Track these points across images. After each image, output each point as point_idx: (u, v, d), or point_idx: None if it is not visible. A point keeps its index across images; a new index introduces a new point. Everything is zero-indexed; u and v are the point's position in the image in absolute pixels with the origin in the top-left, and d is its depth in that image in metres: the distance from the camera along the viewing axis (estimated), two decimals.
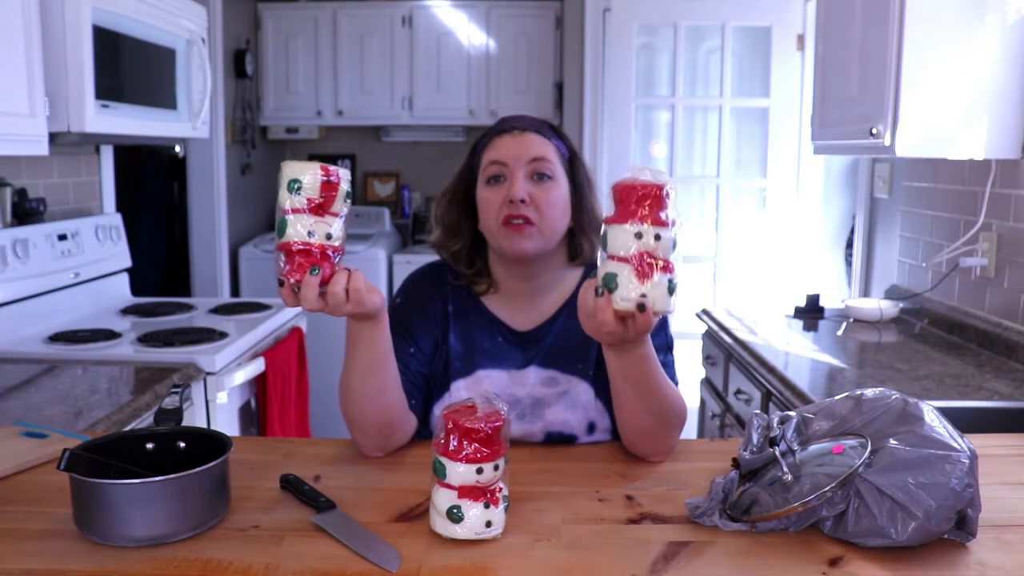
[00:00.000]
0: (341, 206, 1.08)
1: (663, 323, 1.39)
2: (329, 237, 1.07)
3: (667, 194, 1.02)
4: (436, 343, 1.38)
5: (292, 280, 1.07)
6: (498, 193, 1.32)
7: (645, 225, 1.00)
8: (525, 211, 1.30)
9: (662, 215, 1.01)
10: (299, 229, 1.05)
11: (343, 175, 1.08)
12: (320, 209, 1.06)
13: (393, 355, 1.24)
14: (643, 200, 1.01)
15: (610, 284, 1.02)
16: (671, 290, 1.02)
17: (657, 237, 1.00)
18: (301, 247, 1.06)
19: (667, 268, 1.01)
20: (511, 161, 1.32)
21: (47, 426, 1.39)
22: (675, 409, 1.25)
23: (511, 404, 1.35)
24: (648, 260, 1.00)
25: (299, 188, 1.05)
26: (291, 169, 1.06)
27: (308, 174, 1.05)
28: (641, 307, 1.01)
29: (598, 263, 1.05)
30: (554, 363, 1.37)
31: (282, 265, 1.07)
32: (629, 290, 1.01)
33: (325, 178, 1.06)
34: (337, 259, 1.09)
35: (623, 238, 1.01)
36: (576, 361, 1.37)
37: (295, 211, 1.05)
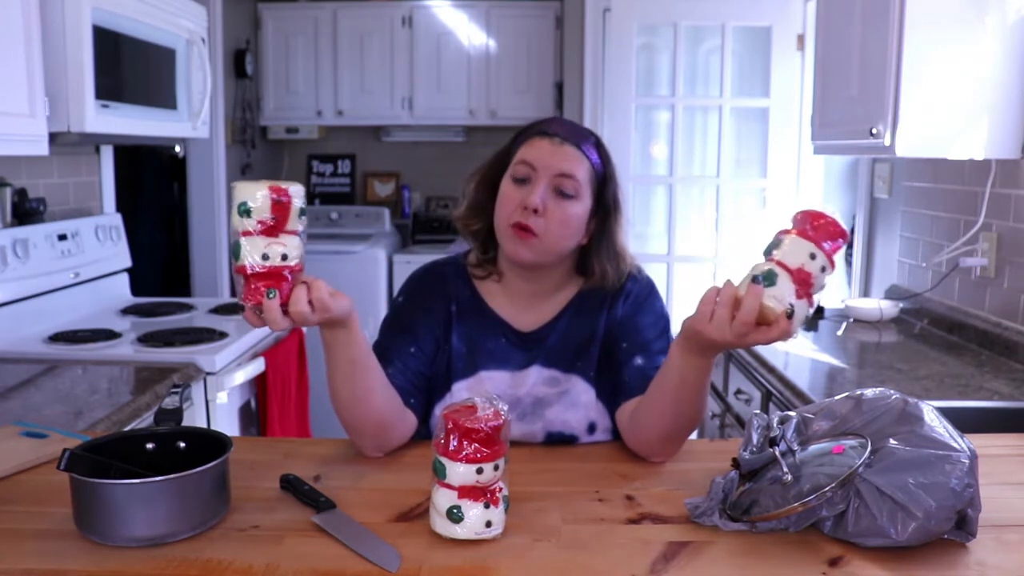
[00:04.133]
0: (296, 224, 1.05)
1: (665, 326, 1.39)
2: (285, 258, 1.04)
3: (845, 242, 1.05)
4: (437, 343, 1.38)
5: (250, 304, 1.05)
6: (518, 193, 1.31)
7: (821, 253, 1.02)
8: (533, 221, 1.29)
9: (835, 256, 1.04)
10: (253, 253, 1.03)
11: (295, 192, 1.04)
12: (273, 230, 1.03)
13: (373, 356, 1.23)
14: (829, 232, 1.03)
15: (771, 280, 1.02)
16: (807, 315, 1.04)
17: (823, 269, 1.02)
18: (258, 270, 1.04)
19: (811, 298, 1.03)
20: (539, 167, 1.30)
21: (47, 426, 1.39)
22: (700, 414, 1.25)
23: (512, 404, 1.34)
24: (809, 281, 1.02)
25: (248, 211, 1.02)
26: (240, 191, 1.03)
27: (257, 196, 1.02)
28: (789, 314, 1.02)
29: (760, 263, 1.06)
30: (556, 363, 1.37)
31: (241, 289, 1.05)
32: (784, 293, 1.02)
33: (275, 198, 1.03)
34: (292, 278, 1.06)
35: (799, 250, 1.03)
36: (575, 360, 1.37)
37: (246, 234, 1.03)
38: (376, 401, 1.24)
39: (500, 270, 1.40)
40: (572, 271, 1.40)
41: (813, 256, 1.02)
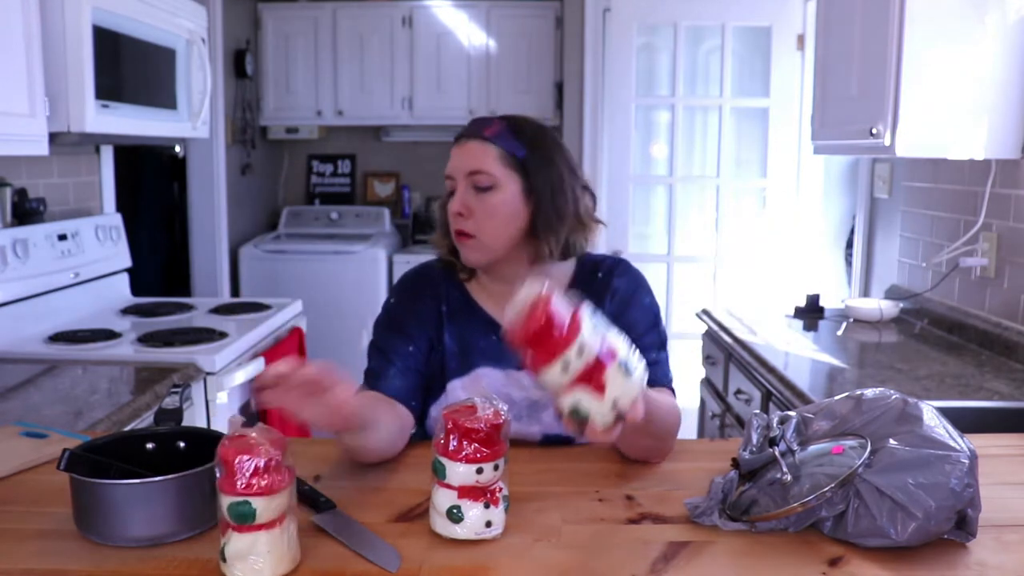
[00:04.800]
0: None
1: (655, 320, 1.38)
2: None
3: (553, 304, 0.93)
4: (431, 342, 1.39)
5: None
6: (451, 204, 1.35)
7: (562, 354, 0.93)
8: (462, 224, 1.32)
9: (565, 325, 0.93)
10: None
11: None
12: None
13: (367, 412, 1.18)
14: (543, 334, 0.92)
15: (580, 415, 0.95)
16: (628, 372, 0.95)
17: (580, 350, 0.93)
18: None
19: (607, 361, 0.94)
20: (455, 174, 1.34)
21: (47, 426, 1.39)
22: (673, 422, 1.25)
23: (507, 404, 1.35)
24: (591, 373, 0.93)
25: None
26: None
27: None
28: (620, 415, 0.96)
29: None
30: None
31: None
32: (599, 409, 0.95)
33: None
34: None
35: (556, 378, 0.94)
36: None
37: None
38: (382, 446, 1.24)
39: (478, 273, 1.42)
40: (531, 262, 1.36)
41: (566, 365, 0.93)
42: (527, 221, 1.34)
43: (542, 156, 1.35)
